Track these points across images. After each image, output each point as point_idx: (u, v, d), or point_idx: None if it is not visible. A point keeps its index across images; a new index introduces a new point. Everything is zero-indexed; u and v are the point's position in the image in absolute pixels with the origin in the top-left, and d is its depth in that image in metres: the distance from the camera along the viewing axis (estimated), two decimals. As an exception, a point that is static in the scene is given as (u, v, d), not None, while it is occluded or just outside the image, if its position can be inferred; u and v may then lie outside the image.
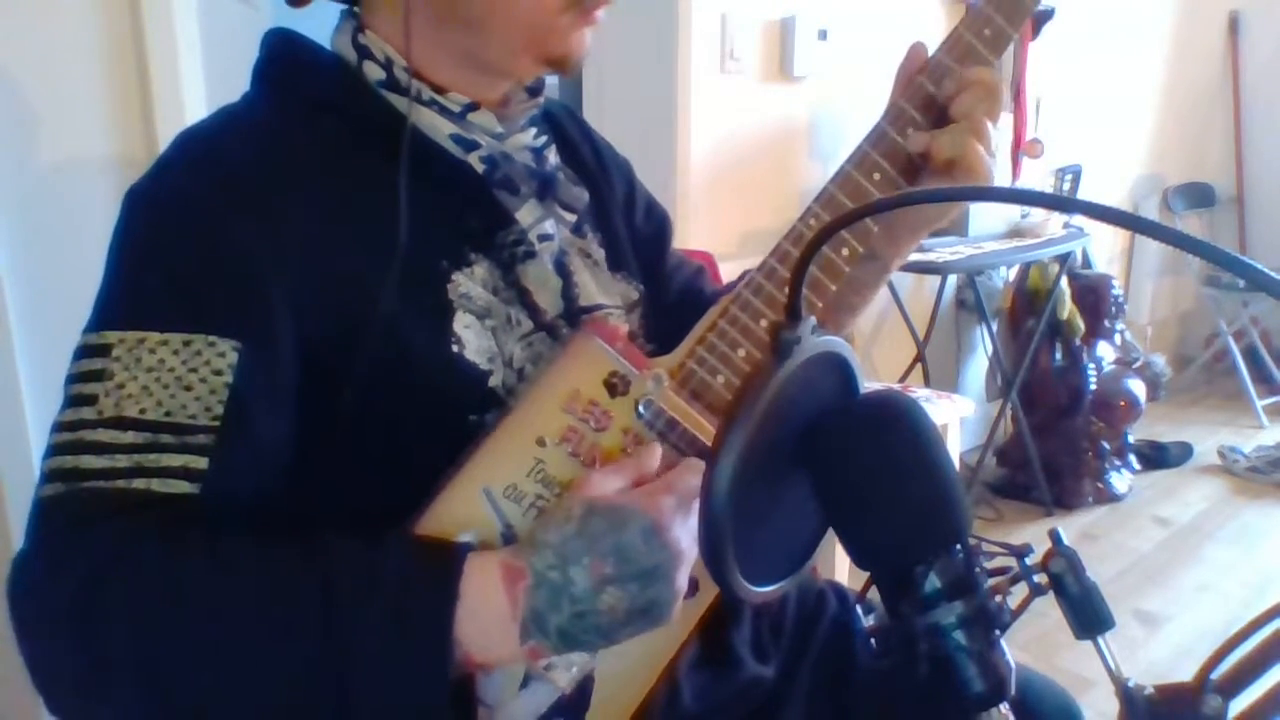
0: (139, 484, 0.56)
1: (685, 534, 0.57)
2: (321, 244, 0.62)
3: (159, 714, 0.53)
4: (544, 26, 0.66)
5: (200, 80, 1.42)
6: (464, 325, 0.66)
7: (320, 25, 0.73)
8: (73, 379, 0.59)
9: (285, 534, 0.56)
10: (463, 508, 0.60)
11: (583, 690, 0.61)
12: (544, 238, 0.73)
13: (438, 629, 0.53)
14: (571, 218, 0.77)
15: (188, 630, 0.52)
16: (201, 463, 0.57)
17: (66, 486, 0.56)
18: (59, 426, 0.58)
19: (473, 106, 0.70)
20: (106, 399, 0.57)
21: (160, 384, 0.57)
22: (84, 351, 0.59)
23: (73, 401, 0.58)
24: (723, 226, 2.32)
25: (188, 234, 0.60)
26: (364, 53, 0.68)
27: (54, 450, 0.58)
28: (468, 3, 0.66)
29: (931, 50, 0.72)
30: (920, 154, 0.70)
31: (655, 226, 0.90)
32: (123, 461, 0.56)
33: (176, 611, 0.53)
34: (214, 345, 0.58)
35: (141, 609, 0.52)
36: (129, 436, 0.56)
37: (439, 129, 0.69)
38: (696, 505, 0.57)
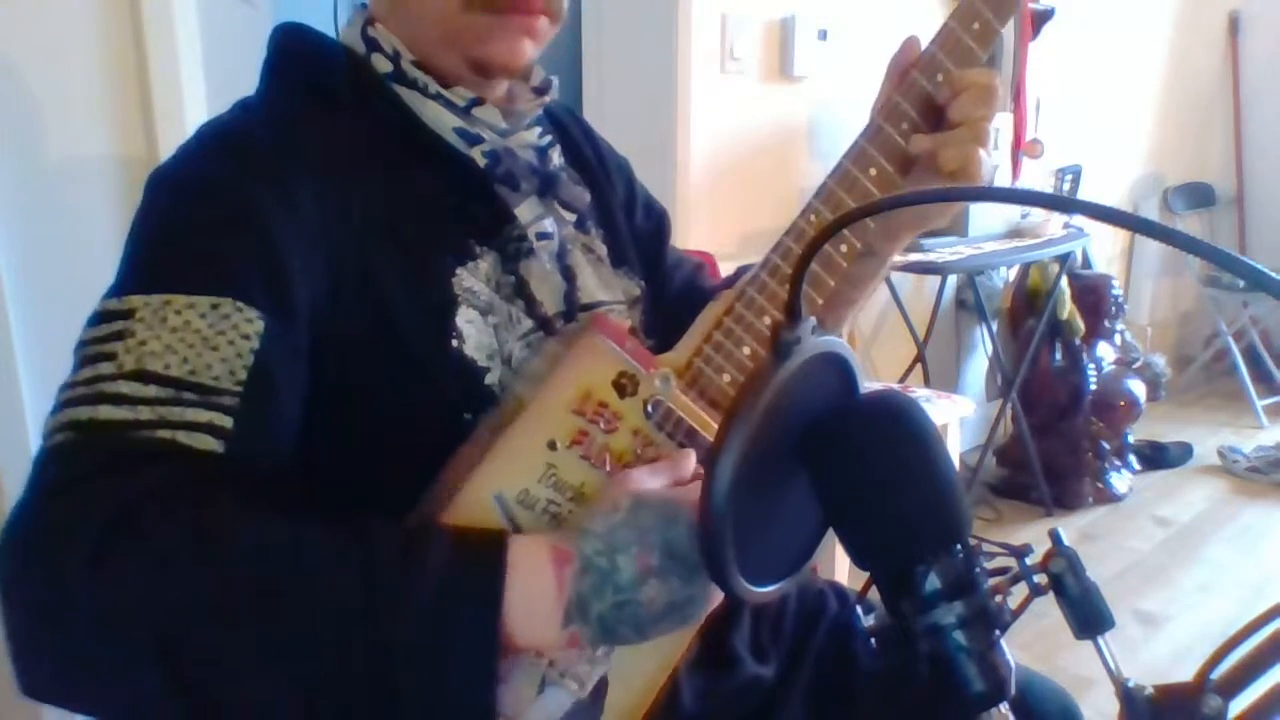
0: (163, 434, 0.53)
1: None
2: (332, 230, 0.63)
3: (173, 685, 0.48)
4: (451, 23, 0.67)
5: (200, 80, 1.42)
6: (466, 320, 0.66)
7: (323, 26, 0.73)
8: (87, 342, 0.56)
9: (315, 508, 0.54)
10: (475, 514, 0.59)
11: (597, 694, 0.61)
12: (542, 236, 0.73)
13: (489, 600, 0.51)
14: (571, 217, 0.77)
15: (220, 595, 0.49)
16: (227, 421, 0.55)
17: (82, 435, 0.53)
18: (70, 385, 0.55)
19: (478, 101, 0.70)
20: (127, 355, 0.54)
21: (185, 343, 0.55)
22: (102, 317, 0.57)
23: (87, 361, 0.55)
24: (723, 226, 2.32)
25: (213, 207, 0.60)
26: (372, 45, 0.69)
27: (64, 405, 0.54)
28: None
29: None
30: (919, 155, 0.71)
31: (654, 225, 0.90)
32: (145, 414, 0.53)
33: (210, 572, 0.49)
34: (242, 311, 0.57)
35: (171, 565, 0.48)
36: (151, 390, 0.54)
37: (443, 122, 0.69)
38: None
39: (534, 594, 0.53)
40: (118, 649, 0.48)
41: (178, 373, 0.54)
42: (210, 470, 0.53)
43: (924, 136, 0.71)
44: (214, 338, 0.56)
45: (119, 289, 0.58)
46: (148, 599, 0.48)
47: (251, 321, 0.57)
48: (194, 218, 0.60)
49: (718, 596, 0.57)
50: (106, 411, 0.53)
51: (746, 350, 0.67)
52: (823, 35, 2.41)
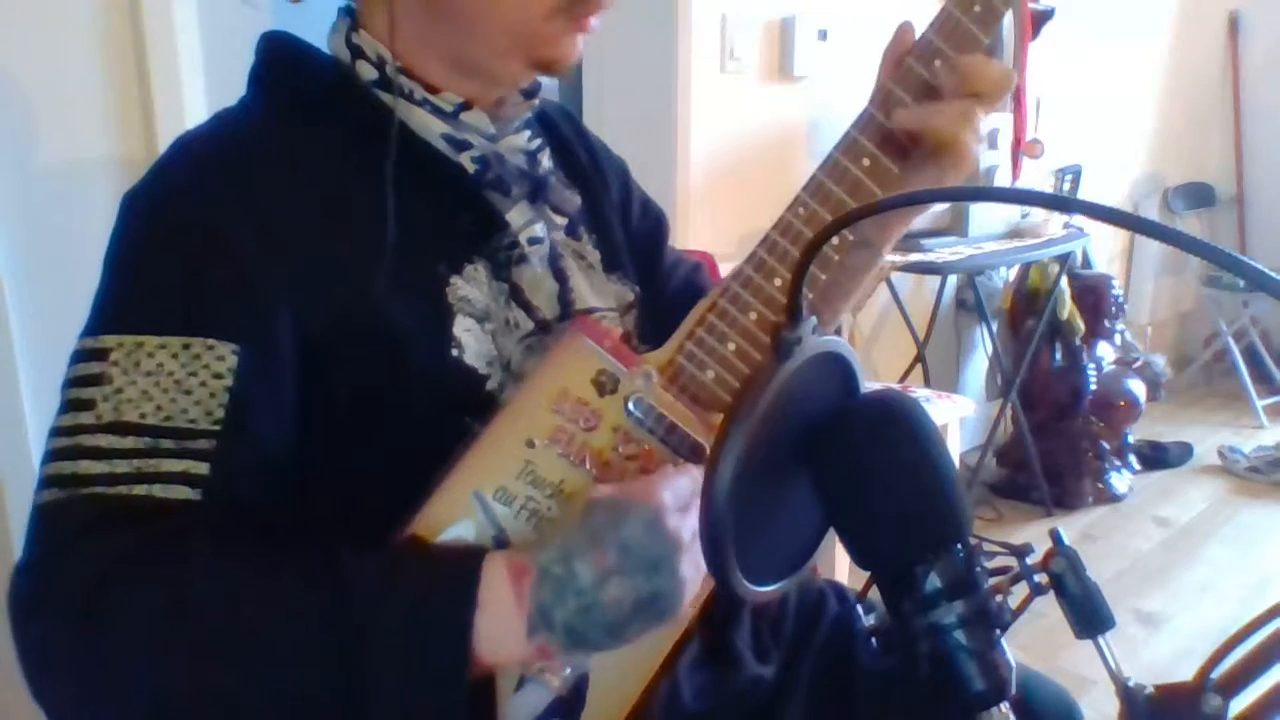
0: (140, 490, 0.55)
1: (685, 526, 0.57)
2: (317, 244, 0.62)
3: None
4: (531, 31, 0.66)
5: (200, 80, 1.42)
6: (464, 329, 0.66)
7: (324, 26, 0.73)
8: (70, 383, 0.59)
9: (291, 539, 0.56)
10: (453, 510, 0.60)
11: (578, 691, 0.61)
12: (534, 240, 0.73)
13: (457, 633, 0.53)
14: (562, 221, 0.76)
15: (197, 641, 0.52)
16: (202, 468, 0.57)
17: (66, 493, 0.56)
18: (56, 431, 0.58)
19: (465, 106, 0.70)
20: (105, 404, 0.57)
21: (159, 388, 0.57)
22: (81, 355, 0.59)
23: (70, 406, 0.58)
24: (722, 226, 2.32)
25: (185, 237, 0.60)
26: (357, 52, 0.68)
27: (52, 455, 0.57)
28: (456, 2, 0.66)
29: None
30: (905, 132, 0.68)
31: (651, 225, 0.90)
32: (122, 467, 0.56)
33: (185, 623, 0.52)
34: (213, 349, 0.58)
35: (149, 620, 0.52)
36: (129, 441, 0.56)
37: (431, 128, 0.69)
38: (694, 500, 0.58)
39: (495, 613, 0.54)
40: (111, 708, 0.54)
41: (153, 420, 0.57)
42: (184, 522, 0.56)
43: (906, 110, 0.67)
44: (187, 380, 0.57)
45: (95, 326, 0.60)
46: (129, 664, 0.52)
47: (224, 358, 0.58)
48: (164, 250, 0.61)
49: (692, 590, 0.58)
50: (87, 466, 0.56)
51: (731, 346, 0.66)
52: (823, 35, 2.41)
